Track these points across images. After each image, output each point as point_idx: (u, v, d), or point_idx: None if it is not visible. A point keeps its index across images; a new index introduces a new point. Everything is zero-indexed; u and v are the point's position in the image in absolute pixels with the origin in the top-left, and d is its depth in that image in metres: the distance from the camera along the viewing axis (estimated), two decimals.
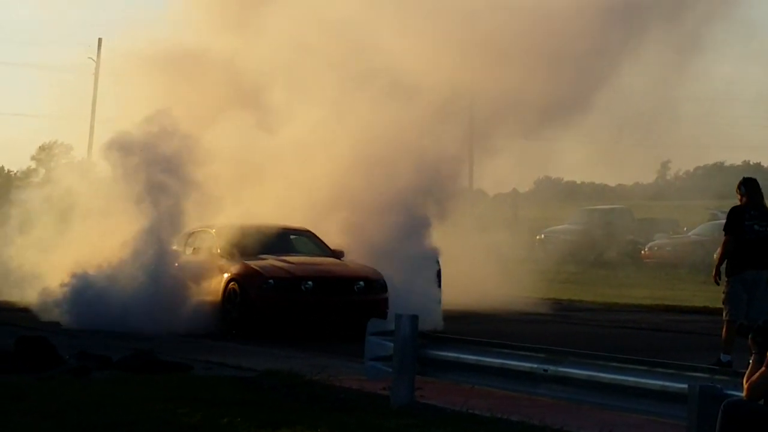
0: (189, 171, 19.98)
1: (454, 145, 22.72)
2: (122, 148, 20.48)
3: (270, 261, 19.36)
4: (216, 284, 19.28)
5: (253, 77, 23.13)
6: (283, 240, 20.71)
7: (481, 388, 11.67)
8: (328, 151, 21.77)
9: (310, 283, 18.86)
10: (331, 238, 20.79)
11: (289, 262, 19.35)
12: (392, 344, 11.59)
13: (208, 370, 13.87)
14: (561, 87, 23.15)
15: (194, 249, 20.22)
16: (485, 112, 22.76)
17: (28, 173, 24.90)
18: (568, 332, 20.84)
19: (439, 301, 20.75)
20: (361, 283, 19.15)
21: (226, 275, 19.23)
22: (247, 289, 18.86)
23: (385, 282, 19.29)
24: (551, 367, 10.50)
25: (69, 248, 21.05)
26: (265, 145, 21.80)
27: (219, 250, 19.71)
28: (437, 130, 22.32)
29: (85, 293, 19.30)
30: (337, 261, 20.05)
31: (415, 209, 21.55)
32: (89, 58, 56.82)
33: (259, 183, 21.68)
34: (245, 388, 12.30)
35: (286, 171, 21.85)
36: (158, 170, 19.93)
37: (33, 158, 25.85)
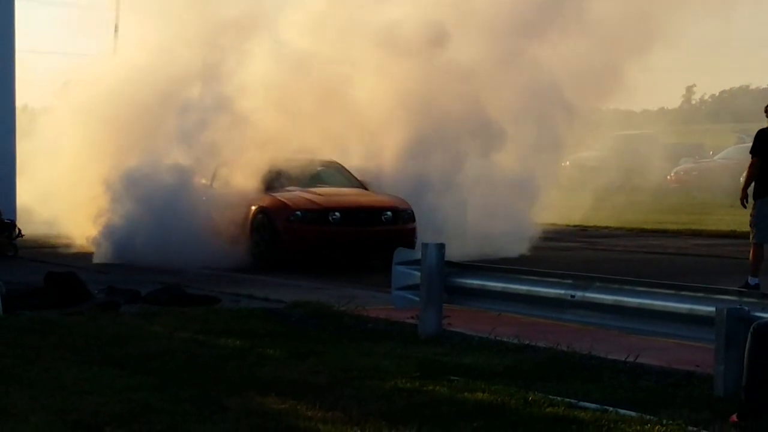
0: (219, 104, 19.98)
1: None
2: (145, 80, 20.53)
3: (297, 193, 19.33)
4: (243, 217, 19.27)
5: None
6: (310, 172, 20.65)
7: (508, 316, 11.70)
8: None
9: (337, 214, 18.82)
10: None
11: (316, 194, 19.31)
12: (419, 273, 11.61)
13: (236, 302, 13.94)
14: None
15: (222, 181, 20.12)
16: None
17: (51, 110, 24.92)
18: (595, 258, 20.84)
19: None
20: (389, 213, 19.08)
21: (253, 208, 19.22)
22: (274, 221, 18.86)
23: (412, 211, 19.23)
24: (578, 293, 10.50)
25: (95, 183, 21.04)
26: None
27: (247, 183, 19.64)
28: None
29: (114, 228, 19.37)
30: (365, 191, 20.02)
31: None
32: None
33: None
34: (273, 320, 12.36)
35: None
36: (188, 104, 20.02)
37: (55, 95, 25.65)
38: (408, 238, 18.25)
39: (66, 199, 22.28)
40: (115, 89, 21.92)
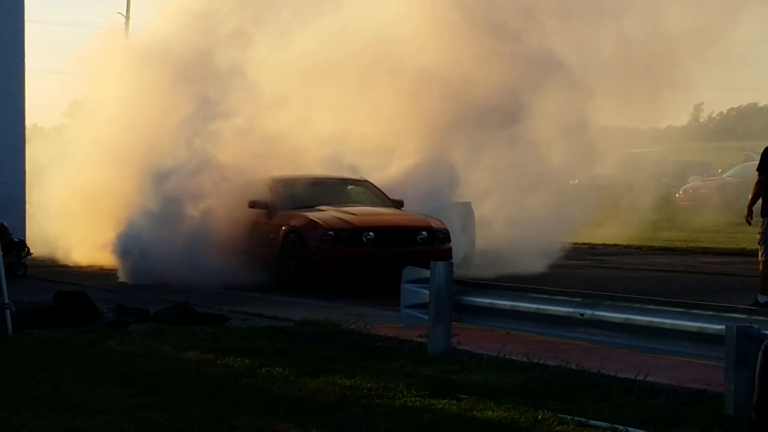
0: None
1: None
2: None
3: (330, 212, 18.79)
4: (274, 237, 18.85)
5: None
6: (341, 191, 20.32)
7: (517, 334, 11.68)
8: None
9: (371, 234, 18.29)
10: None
11: (349, 213, 18.79)
12: (428, 292, 11.59)
13: (245, 321, 13.93)
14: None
15: (252, 201, 19.49)
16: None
17: (60, 130, 25.07)
18: (604, 276, 20.80)
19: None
20: (424, 233, 18.51)
21: (284, 228, 18.73)
22: (306, 241, 18.30)
23: (447, 231, 18.71)
24: (587, 311, 10.48)
25: (108, 201, 20.99)
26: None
27: (277, 203, 19.35)
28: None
29: (134, 249, 19.20)
30: (398, 211, 19.52)
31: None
32: (119, 13, 56.97)
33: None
34: (282, 339, 12.35)
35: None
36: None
37: (65, 114, 25.77)
38: (444, 259, 17.57)
39: (76, 219, 22.25)
40: (128, 104, 21.89)
